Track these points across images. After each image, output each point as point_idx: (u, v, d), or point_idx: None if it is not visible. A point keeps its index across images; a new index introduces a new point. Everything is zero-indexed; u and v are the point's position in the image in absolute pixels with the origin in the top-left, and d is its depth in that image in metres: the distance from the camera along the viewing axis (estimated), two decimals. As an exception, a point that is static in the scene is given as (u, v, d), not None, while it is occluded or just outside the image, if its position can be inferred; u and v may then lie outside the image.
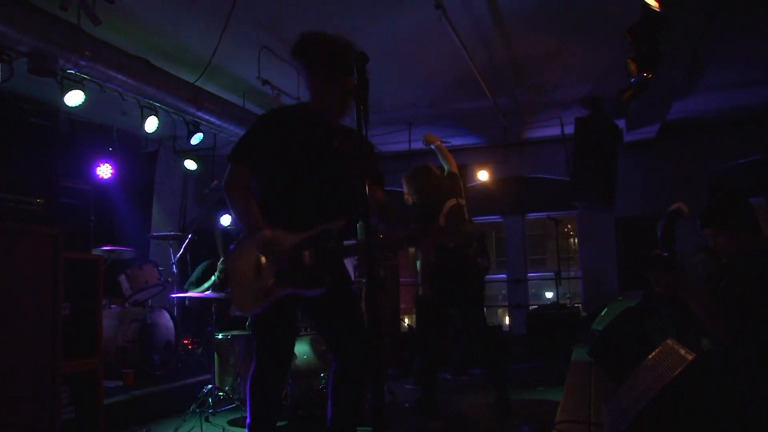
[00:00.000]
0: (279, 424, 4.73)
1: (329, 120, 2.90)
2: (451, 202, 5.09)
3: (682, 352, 2.39)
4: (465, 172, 9.51)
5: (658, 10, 4.44)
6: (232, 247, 2.81)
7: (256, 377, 2.85)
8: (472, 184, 9.66)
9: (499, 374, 5.08)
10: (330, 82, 2.81)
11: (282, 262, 2.71)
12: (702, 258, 5.61)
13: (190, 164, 8.11)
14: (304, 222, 2.77)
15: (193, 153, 8.09)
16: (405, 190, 5.26)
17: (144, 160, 8.66)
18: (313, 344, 5.20)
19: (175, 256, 7.23)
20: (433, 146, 5.47)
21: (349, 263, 7.35)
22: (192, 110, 6.24)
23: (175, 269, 7.19)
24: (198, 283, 7.01)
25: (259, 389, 2.84)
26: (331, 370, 2.99)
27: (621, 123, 8.11)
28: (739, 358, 2.55)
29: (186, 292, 6.71)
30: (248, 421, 2.81)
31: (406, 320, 9.12)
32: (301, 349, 5.27)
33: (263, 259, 2.71)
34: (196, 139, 7.01)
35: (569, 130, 8.22)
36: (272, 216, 2.77)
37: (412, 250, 6.34)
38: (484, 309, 6.97)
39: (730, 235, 2.77)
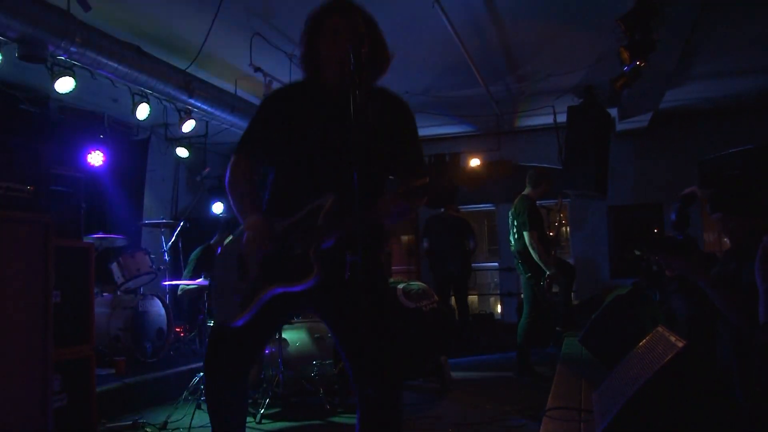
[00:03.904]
0: (272, 411, 4.75)
1: (334, 84, 2.41)
2: None
3: (673, 339, 2.41)
4: (457, 160, 9.54)
5: (651, -3, 4.44)
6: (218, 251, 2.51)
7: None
8: (465, 172, 9.65)
9: None
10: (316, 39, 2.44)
11: (265, 251, 2.28)
12: None
13: (182, 152, 8.08)
14: (297, 202, 2.34)
15: (185, 140, 8.05)
16: None
17: (135, 147, 8.61)
18: (308, 331, 5.22)
19: (167, 244, 7.22)
20: None
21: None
22: (184, 97, 6.20)
23: (167, 257, 7.18)
24: (194, 272, 6.95)
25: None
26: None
27: (613, 112, 8.13)
28: (756, 340, 2.51)
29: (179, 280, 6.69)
30: None
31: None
32: (295, 336, 5.29)
33: (246, 256, 2.33)
34: (188, 126, 6.98)
35: (562, 118, 8.23)
36: (276, 206, 2.44)
37: (405, 238, 6.43)
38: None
39: (740, 221, 2.73)
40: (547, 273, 5.94)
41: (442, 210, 8.52)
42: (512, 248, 6.31)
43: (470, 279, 8.68)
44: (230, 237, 2.51)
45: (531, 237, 5.97)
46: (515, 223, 6.19)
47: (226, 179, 2.44)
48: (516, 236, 6.17)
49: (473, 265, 8.71)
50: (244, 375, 2.54)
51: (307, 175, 2.40)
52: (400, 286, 6.17)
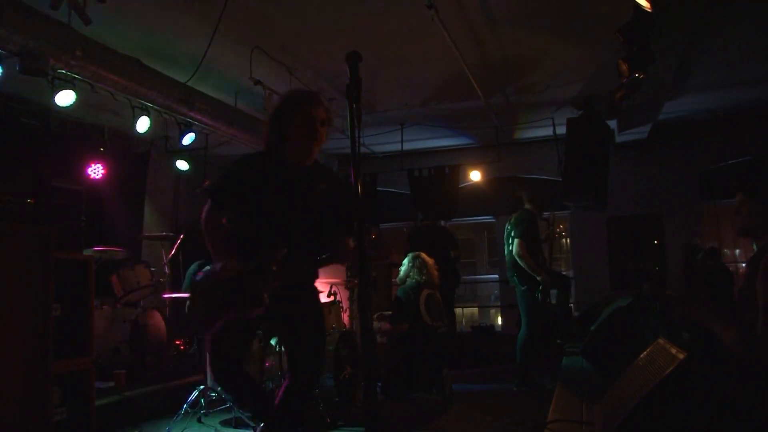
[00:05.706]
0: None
1: (296, 162, 3.13)
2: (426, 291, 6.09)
3: (674, 350, 2.40)
4: (457, 172, 9.55)
5: (649, 10, 4.46)
6: (198, 277, 3.12)
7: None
8: (464, 184, 9.68)
9: None
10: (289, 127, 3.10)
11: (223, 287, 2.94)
12: None
13: (182, 164, 8.08)
14: (256, 248, 2.99)
15: (185, 153, 8.06)
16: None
17: (136, 160, 8.62)
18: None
19: (167, 257, 7.21)
20: None
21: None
22: (184, 110, 6.21)
23: (167, 270, 7.17)
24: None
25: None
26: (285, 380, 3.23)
27: (613, 123, 8.15)
28: (755, 352, 2.33)
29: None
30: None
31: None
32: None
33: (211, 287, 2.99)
34: (188, 139, 6.99)
35: (561, 130, 8.24)
36: (239, 248, 3.05)
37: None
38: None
39: (758, 206, 2.55)
40: (541, 284, 5.95)
41: (420, 222, 8.96)
42: (507, 260, 6.30)
43: (457, 288, 8.66)
44: (206, 268, 3.10)
45: (518, 246, 5.97)
46: (512, 234, 6.19)
47: (204, 222, 3.07)
48: (510, 248, 6.17)
49: (475, 277, 8.72)
50: (241, 361, 3.23)
51: (265, 228, 3.08)
52: (426, 293, 6.08)
